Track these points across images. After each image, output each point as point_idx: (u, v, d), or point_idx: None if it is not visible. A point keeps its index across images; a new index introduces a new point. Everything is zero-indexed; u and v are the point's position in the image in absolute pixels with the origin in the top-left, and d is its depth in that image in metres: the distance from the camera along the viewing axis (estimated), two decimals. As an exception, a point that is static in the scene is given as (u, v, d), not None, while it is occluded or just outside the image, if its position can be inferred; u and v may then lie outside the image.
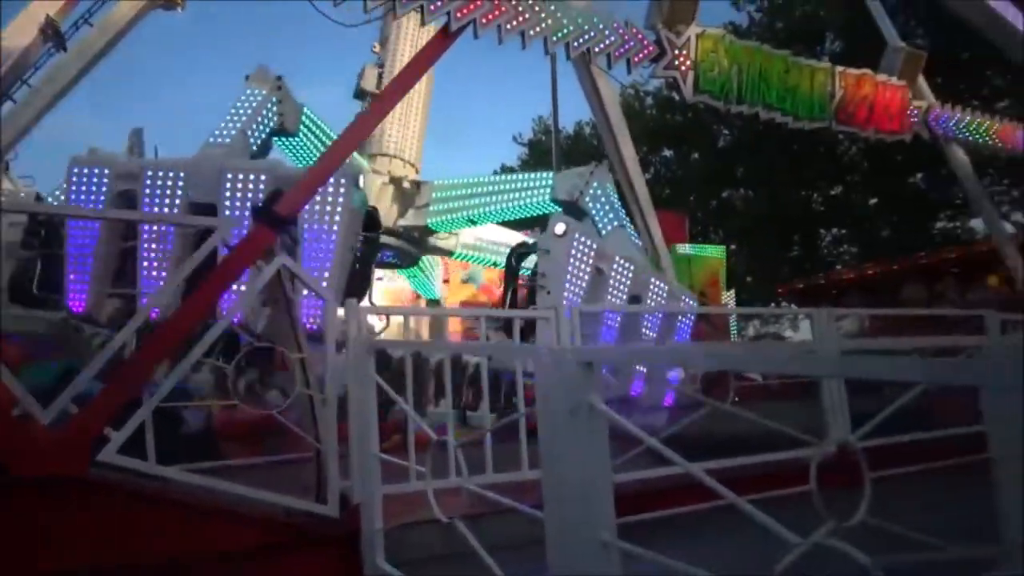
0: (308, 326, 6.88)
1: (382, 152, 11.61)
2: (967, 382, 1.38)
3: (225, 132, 8.73)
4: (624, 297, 8.68)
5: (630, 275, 8.74)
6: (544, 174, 10.82)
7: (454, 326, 14.85)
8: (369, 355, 4.38)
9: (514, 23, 6.88)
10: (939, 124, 11.25)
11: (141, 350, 4.32)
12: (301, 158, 10.61)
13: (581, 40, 7.44)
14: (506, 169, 40.14)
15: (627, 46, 7.72)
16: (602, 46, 7.55)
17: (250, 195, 7.13)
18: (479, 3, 6.57)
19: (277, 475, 5.23)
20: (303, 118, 9.94)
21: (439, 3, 6.35)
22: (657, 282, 9.08)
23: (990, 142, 11.91)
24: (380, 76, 11.46)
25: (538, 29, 7.06)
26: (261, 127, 9.20)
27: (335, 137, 10.21)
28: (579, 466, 2.33)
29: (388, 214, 11.14)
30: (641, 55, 7.89)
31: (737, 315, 18.23)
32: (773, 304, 25.91)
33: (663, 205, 15.61)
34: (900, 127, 10.56)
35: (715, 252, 18.84)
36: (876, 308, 13.57)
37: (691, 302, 9.84)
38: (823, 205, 29.99)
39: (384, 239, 10.23)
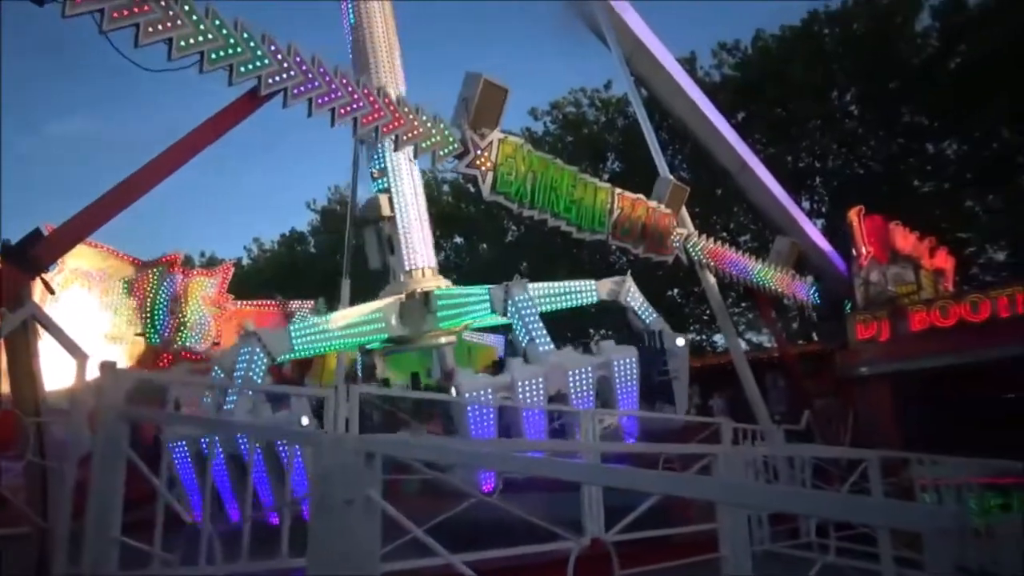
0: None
1: (415, 267, 11.87)
2: (697, 496, 1.60)
3: (230, 402, 9.46)
4: (542, 405, 9.44)
5: (540, 387, 9.55)
6: (482, 290, 11.88)
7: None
8: (121, 424, 4.00)
9: (372, 118, 7.37)
10: (695, 250, 12.83)
11: None
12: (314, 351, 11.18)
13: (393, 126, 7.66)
14: (295, 233, 39.55)
15: (433, 140, 8.06)
16: (409, 135, 7.82)
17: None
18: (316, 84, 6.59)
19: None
20: (291, 335, 10.29)
21: (249, 66, 6.27)
22: (579, 369, 10.01)
23: (731, 271, 13.77)
24: (391, 200, 11.97)
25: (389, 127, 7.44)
26: (257, 373, 9.75)
27: (325, 323, 10.76)
28: (348, 557, 2.31)
29: (417, 327, 11.55)
30: (446, 151, 8.27)
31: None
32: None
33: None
34: (665, 249, 11.90)
35: (493, 343, 19.56)
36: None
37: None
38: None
39: (418, 344, 11.87)
